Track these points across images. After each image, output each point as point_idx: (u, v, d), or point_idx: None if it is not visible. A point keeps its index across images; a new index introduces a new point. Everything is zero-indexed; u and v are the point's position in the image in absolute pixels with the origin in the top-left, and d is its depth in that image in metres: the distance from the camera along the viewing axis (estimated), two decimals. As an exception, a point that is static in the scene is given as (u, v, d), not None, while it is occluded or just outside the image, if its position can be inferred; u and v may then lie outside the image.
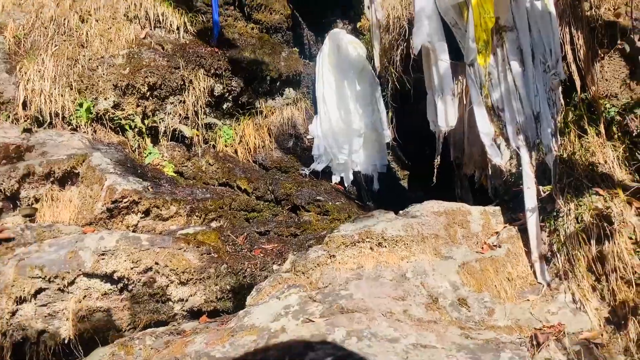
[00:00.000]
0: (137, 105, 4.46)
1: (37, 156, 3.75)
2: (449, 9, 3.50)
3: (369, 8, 4.66)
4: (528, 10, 3.24)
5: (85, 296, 3.04)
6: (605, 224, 2.88)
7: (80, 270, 3.00)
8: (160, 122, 4.57)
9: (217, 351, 2.46)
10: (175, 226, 3.82)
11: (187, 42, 4.83)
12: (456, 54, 3.70)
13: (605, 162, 3.26)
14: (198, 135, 4.69)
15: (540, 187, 3.10)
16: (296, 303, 2.68)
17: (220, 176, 4.52)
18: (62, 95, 4.20)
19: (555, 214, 3.17)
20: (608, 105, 3.46)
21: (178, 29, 4.86)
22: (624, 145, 3.26)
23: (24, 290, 2.92)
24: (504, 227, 3.27)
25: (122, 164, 3.97)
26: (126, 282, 3.10)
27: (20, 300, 2.93)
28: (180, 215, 3.88)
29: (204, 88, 4.70)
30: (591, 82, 3.48)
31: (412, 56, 4.05)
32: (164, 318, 3.20)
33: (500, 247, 3.12)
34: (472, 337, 2.63)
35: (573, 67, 3.50)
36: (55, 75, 4.24)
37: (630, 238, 2.82)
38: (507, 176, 3.68)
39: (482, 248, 3.14)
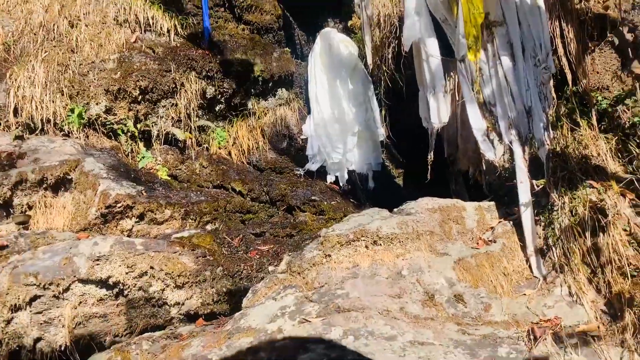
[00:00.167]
0: (129, 110, 4.44)
1: (29, 163, 3.73)
2: (438, 5, 3.50)
3: (359, 6, 4.65)
4: (517, 5, 3.24)
5: (80, 302, 3.02)
6: (599, 217, 2.88)
7: (75, 276, 2.99)
8: (152, 126, 4.56)
9: (214, 354, 2.45)
10: (170, 230, 3.81)
11: (178, 45, 4.82)
12: (447, 50, 3.70)
13: (599, 154, 3.26)
14: (191, 138, 4.68)
15: (534, 181, 3.10)
16: (292, 303, 2.68)
17: (215, 178, 4.51)
18: (53, 101, 4.18)
19: (549, 207, 3.17)
20: (600, 98, 3.47)
21: (168, 32, 4.84)
22: (616, 137, 3.27)
23: (18, 298, 2.90)
24: (499, 222, 3.27)
25: (115, 169, 3.96)
26: (122, 287, 3.08)
27: (15, 308, 2.91)
28: (175, 219, 3.87)
29: (195, 91, 4.68)
30: (582, 75, 3.49)
31: (403, 53, 4.05)
32: (161, 322, 3.19)
33: (495, 242, 3.12)
34: (469, 333, 2.63)
35: (564, 61, 3.50)
36: (45, 82, 4.22)
37: (625, 230, 2.82)
38: (501, 171, 3.68)
39: (478, 243, 3.14)
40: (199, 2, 5.07)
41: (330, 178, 4.82)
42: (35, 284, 2.93)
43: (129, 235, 3.61)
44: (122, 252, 3.07)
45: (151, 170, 4.41)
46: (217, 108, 4.95)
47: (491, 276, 2.94)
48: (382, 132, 4.88)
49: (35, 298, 2.95)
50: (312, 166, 4.79)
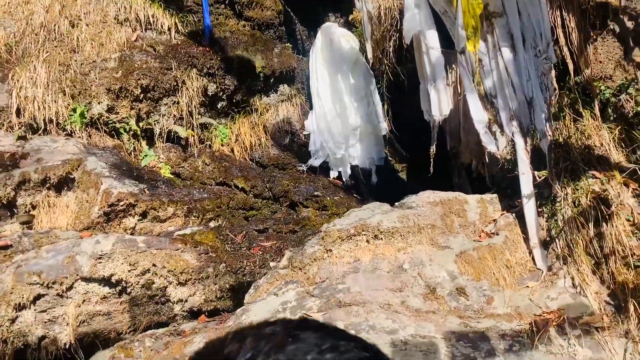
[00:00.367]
0: (131, 108, 4.45)
1: (32, 163, 3.75)
2: (437, -3, 3.48)
3: (359, 0, 4.64)
4: (517, -5, 3.21)
5: (84, 300, 3.04)
6: (602, 207, 2.85)
7: (77, 274, 3.00)
8: (155, 124, 4.57)
9: (215, 350, 2.46)
10: (173, 227, 3.82)
11: (179, 42, 4.82)
12: (448, 42, 3.68)
13: (601, 144, 3.23)
14: (193, 136, 4.69)
15: (536, 173, 3.07)
16: (294, 299, 2.68)
17: (217, 176, 4.51)
18: (55, 101, 4.19)
19: (552, 199, 3.14)
20: (603, 87, 3.43)
21: (169, 29, 4.84)
22: (619, 127, 3.23)
23: (22, 297, 2.92)
24: (502, 214, 3.25)
25: (118, 168, 3.97)
26: (124, 285, 3.10)
27: (20, 307, 2.93)
28: (178, 216, 3.88)
29: (197, 88, 4.69)
30: (584, 64, 3.45)
31: (404, 46, 4.03)
32: (164, 319, 3.20)
33: (498, 234, 3.10)
34: (472, 326, 2.62)
35: (565, 51, 3.46)
36: (47, 82, 4.24)
37: (628, 220, 2.79)
38: (504, 163, 3.66)
39: (480, 236, 3.12)
40: (200, -1, 5.07)
41: (333, 173, 4.81)
42: (39, 283, 2.95)
43: (132, 234, 3.62)
44: (124, 250, 3.08)
45: (154, 169, 4.42)
46: (219, 105, 4.95)
47: (493, 269, 2.92)
48: (384, 126, 4.86)
49: (39, 297, 2.96)
50: (315, 162, 4.78)
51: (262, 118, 4.97)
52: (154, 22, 4.80)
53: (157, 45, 4.72)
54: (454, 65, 3.82)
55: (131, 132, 4.45)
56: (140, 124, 4.50)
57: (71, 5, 4.66)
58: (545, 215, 3.14)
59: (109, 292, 3.08)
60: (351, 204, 4.35)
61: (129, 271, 3.08)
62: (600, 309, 2.71)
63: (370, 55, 4.25)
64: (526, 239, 3.08)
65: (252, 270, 3.43)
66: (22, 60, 4.37)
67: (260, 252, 3.62)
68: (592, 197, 2.92)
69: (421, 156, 4.09)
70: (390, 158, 5.31)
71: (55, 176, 3.69)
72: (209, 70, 4.81)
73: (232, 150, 4.80)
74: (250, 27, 5.35)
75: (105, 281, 3.06)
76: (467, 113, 3.57)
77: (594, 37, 3.47)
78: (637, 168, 2.93)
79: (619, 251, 2.74)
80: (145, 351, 2.73)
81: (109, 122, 4.38)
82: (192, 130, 4.70)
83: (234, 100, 5.02)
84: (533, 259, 3.02)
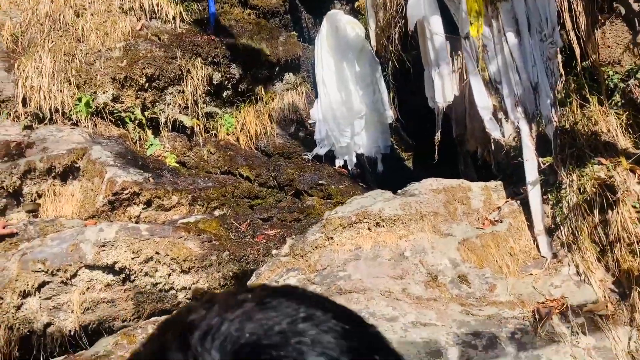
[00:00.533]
0: (136, 97, 4.46)
1: (37, 152, 3.78)
2: (441, -19, 3.43)
3: (364, -13, 4.59)
4: (522, -22, 3.15)
5: (88, 288, 3.07)
6: (608, 194, 2.81)
7: (81, 262, 3.03)
8: (160, 113, 4.57)
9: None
10: (177, 216, 3.83)
11: (184, 31, 4.81)
12: (453, 28, 3.63)
13: (609, 130, 3.17)
14: (199, 125, 4.69)
15: (541, 159, 3.03)
16: (295, 286, 2.67)
17: (222, 164, 4.52)
18: (61, 91, 4.21)
19: (557, 185, 3.10)
20: (611, 73, 3.37)
21: (174, 18, 4.83)
22: (627, 113, 3.18)
23: (27, 284, 2.95)
24: (506, 201, 3.22)
25: (123, 157, 3.98)
26: (128, 273, 3.12)
27: (25, 294, 2.97)
28: (183, 205, 3.89)
29: (202, 77, 4.68)
30: (592, 49, 3.39)
31: (409, 33, 3.99)
32: (168, 307, 3.22)
33: (501, 222, 3.07)
34: (473, 314, 2.60)
35: (572, 35, 3.40)
36: (53, 71, 4.25)
37: (634, 207, 2.74)
38: (509, 150, 3.61)
39: (483, 224, 3.09)
40: (204, -13, 5.05)
41: (338, 162, 4.79)
42: (43, 271, 2.97)
43: (136, 222, 3.64)
44: (127, 238, 3.10)
45: (159, 158, 4.43)
46: (224, 94, 4.94)
47: (497, 256, 2.90)
48: (390, 114, 4.82)
49: (43, 284, 2.99)
50: (320, 150, 4.76)
51: (268, 107, 4.96)
52: (158, 11, 4.79)
53: (162, 34, 4.72)
54: (460, 52, 3.77)
55: (136, 122, 4.46)
56: (146, 113, 4.50)
57: (76, -5, 4.67)
58: (550, 203, 3.11)
59: (113, 280, 3.10)
60: (356, 193, 4.33)
61: (132, 259, 3.10)
62: (605, 296, 2.68)
63: (372, 43, 4.21)
64: (530, 227, 3.05)
65: (255, 259, 3.43)
66: (28, 50, 4.39)
67: (264, 241, 3.62)
68: (597, 184, 2.87)
69: (427, 144, 4.05)
70: (396, 146, 5.27)
71: (61, 165, 3.72)
72: (214, 59, 4.79)
73: (238, 139, 4.79)
74: (256, 15, 5.32)
75: (109, 269, 3.08)
76: (473, 100, 3.53)
77: (602, 21, 3.41)
78: (644, 154, 2.87)
79: (624, 238, 2.70)
80: (148, 338, 2.75)
81: (115, 111, 4.39)
82: (198, 119, 4.70)
83: (239, 89, 5.01)
84: (537, 246, 2.99)
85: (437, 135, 3.58)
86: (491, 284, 2.76)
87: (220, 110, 4.90)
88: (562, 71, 3.26)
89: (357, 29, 4.91)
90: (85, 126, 4.21)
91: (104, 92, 4.35)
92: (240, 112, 4.92)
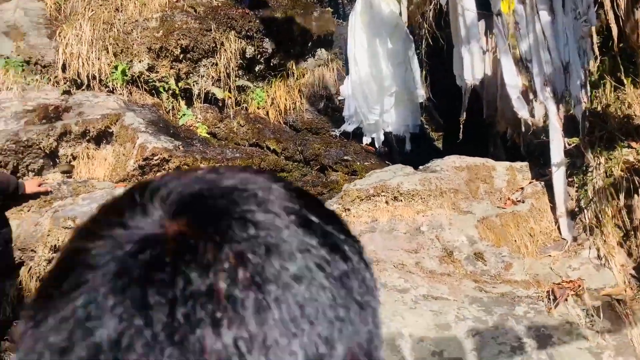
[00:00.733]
0: (171, 68, 4.56)
1: (74, 116, 3.92)
2: (476, -44, 3.36)
3: (400, -38, 4.53)
4: (560, -46, 3.06)
5: (115, 247, 3.19)
6: (635, 178, 2.74)
7: (109, 221, 3.15)
8: (193, 85, 4.66)
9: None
10: (204, 184, 3.92)
11: (219, 4, 4.87)
12: (486, 8, 3.55)
13: (642, 114, 3.08)
14: (230, 98, 4.76)
15: (567, 139, 2.97)
16: (309, 254, 2.72)
17: (251, 137, 4.58)
18: (98, 59, 4.34)
19: (584, 168, 3.04)
20: (649, 55, 3.25)
21: (210, -9, 4.89)
22: (663, 96, 3.07)
23: (58, 240, 3.10)
24: (530, 182, 3.17)
25: (155, 124, 4.09)
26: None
27: (55, 249, 3.11)
28: (210, 174, 3.98)
29: (235, 50, 4.73)
30: (631, 30, 3.27)
31: (444, 10, 3.93)
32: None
33: (523, 202, 3.03)
34: (487, 291, 2.60)
35: (610, 15, 3.28)
36: (92, 39, 4.38)
37: (662, 192, 2.67)
38: (537, 132, 3.54)
39: (505, 203, 3.06)
40: (241, -39, 5.08)
41: (366, 139, 4.78)
42: (72, 227, 3.11)
43: (164, 187, 3.75)
44: (153, 201, 3.20)
45: (191, 128, 4.53)
46: (256, 68, 4.99)
47: (515, 236, 2.87)
48: (421, 93, 4.77)
49: (73, 240, 3.13)
50: (349, 127, 4.76)
51: (298, 82, 4.98)
52: (195, -17, 4.85)
53: (198, 6, 4.79)
54: (494, 30, 3.70)
55: (170, 92, 4.57)
56: (179, 84, 4.60)
57: (116, -35, 4.77)
58: (576, 185, 3.05)
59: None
60: (382, 170, 4.34)
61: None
62: (625, 281, 2.63)
63: (404, 19, 4.16)
64: (553, 208, 3.00)
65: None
66: (70, 18, 4.53)
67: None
68: (625, 168, 2.80)
69: (458, 125, 4.01)
70: (426, 126, 5.23)
71: (95, 129, 3.85)
72: (248, 33, 4.84)
73: (267, 113, 4.84)
74: (291, -10, 5.33)
75: (135, 229, 3.19)
76: (504, 80, 3.47)
77: (643, 0, 3.28)
78: (676, 138, 2.78)
79: (649, 223, 2.64)
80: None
81: (150, 80, 4.50)
82: (229, 92, 4.77)
83: (271, 64, 5.04)
84: (559, 228, 2.94)
85: (463, 114, 3.54)
86: (507, 262, 2.74)
87: (252, 84, 4.96)
88: (596, 51, 3.17)
89: (391, 6, 4.86)
90: (121, 94, 4.34)
91: (139, 61, 4.46)
92: (271, 87, 4.96)
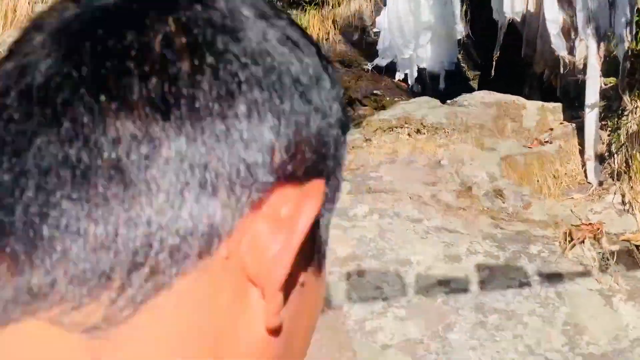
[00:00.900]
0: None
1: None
2: None
3: None
4: None
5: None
6: (672, 123, 2.61)
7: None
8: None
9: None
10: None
11: None
12: None
13: (690, 57, 2.90)
14: (263, 25, 4.69)
15: (603, 80, 2.83)
16: (327, 181, 2.74)
17: (281, 66, 4.54)
18: None
19: (619, 112, 2.91)
20: None
21: None
22: None
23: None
24: (561, 123, 3.07)
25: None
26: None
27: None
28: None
29: (270, -25, 4.62)
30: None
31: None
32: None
33: (551, 143, 2.95)
34: (502, 227, 2.58)
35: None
36: None
37: (699, 139, 2.55)
38: (576, 73, 3.39)
39: (532, 143, 2.98)
40: None
41: (399, 75, 4.67)
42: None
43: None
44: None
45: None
46: (291, -5, 4.88)
47: (539, 176, 2.81)
48: (460, 29, 4.58)
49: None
50: (382, 61, 4.65)
51: (333, 12, 4.85)
52: None
53: None
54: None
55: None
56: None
57: None
58: (609, 129, 2.93)
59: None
60: (412, 107, 4.26)
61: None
62: (647, 229, 2.57)
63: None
64: (582, 151, 2.91)
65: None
66: None
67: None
68: (663, 112, 2.67)
69: (496, 65, 3.87)
70: (462, 64, 5.05)
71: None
72: (284, -42, 4.70)
73: (300, 43, 4.77)
74: None
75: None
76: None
77: None
78: None
79: (680, 171, 2.54)
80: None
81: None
82: (262, 19, 4.69)
83: (307, -8, 4.92)
84: (585, 172, 2.86)
85: (497, 51, 3.41)
86: (527, 202, 2.70)
87: (286, 11, 4.86)
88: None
89: None
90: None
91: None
92: (305, 15, 4.86)
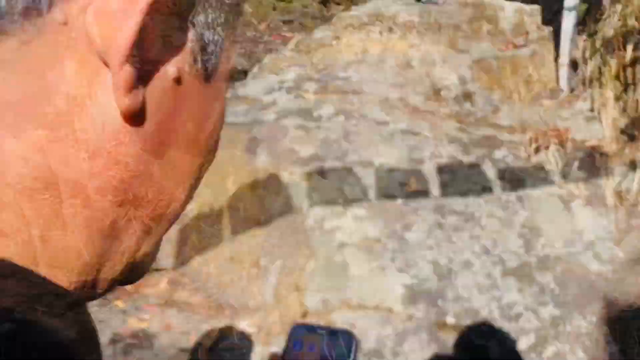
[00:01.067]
0: None
1: None
2: None
3: None
4: None
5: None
6: (649, 28, 2.53)
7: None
8: None
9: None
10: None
11: None
12: None
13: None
14: None
15: (585, -20, 2.70)
16: (292, 80, 2.63)
17: (251, -41, 4.24)
18: None
19: (598, 16, 2.80)
20: None
21: None
22: None
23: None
24: (537, 27, 2.96)
25: None
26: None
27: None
28: None
29: None
30: None
31: None
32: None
33: (526, 46, 2.85)
34: (469, 132, 2.54)
35: None
36: None
37: (674, 45, 2.48)
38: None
39: (506, 46, 2.88)
40: None
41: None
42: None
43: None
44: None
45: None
46: None
47: (510, 81, 2.74)
48: None
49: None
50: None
51: None
52: None
53: None
54: None
55: None
56: None
57: None
58: (585, 34, 2.84)
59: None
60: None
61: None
62: (613, 138, 2.55)
63: None
64: (556, 58, 2.83)
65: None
66: None
67: (279, 41, 3.51)
68: (641, 16, 2.57)
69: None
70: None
71: None
72: None
73: None
74: None
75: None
76: None
77: None
78: None
79: (652, 78, 2.49)
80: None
81: None
82: None
83: None
84: (557, 77, 2.80)
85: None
86: (496, 106, 2.65)
87: None
88: None
89: None
90: None
91: None
92: None
